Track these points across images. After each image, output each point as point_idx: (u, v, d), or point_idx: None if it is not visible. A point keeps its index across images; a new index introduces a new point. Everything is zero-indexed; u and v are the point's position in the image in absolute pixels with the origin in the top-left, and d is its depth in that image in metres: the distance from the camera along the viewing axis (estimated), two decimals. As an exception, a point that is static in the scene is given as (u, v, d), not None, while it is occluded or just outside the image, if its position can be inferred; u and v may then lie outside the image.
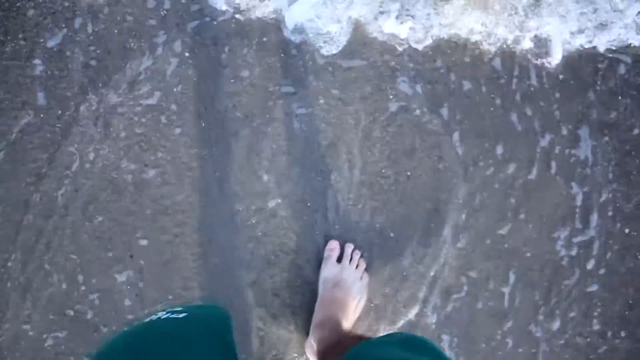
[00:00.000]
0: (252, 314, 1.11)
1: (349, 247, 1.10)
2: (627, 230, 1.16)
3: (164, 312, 0.62)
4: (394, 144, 1.15)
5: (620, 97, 1.17)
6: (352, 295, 1.04)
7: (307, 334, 1.07)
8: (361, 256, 1.11)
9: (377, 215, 1.13)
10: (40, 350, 1.09)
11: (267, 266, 1.12)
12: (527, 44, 1.17)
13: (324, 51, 1.15)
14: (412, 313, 1.13)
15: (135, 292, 1.10)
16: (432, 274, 1.13)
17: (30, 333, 1.09)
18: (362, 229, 1.13)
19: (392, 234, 1.14)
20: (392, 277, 1.13)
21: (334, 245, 1.10)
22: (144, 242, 1.10)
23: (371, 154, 1.14)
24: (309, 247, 1.12)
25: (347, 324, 1.03)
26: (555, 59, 1.18)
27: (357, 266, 1.09)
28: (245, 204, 1.13)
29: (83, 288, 1.09)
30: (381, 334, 1.12)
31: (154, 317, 0.60)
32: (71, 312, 1.09)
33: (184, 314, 0.61)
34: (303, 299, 1.12)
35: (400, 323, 1.13)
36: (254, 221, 1.12)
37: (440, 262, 1.14)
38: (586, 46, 1.18)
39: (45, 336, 1.09)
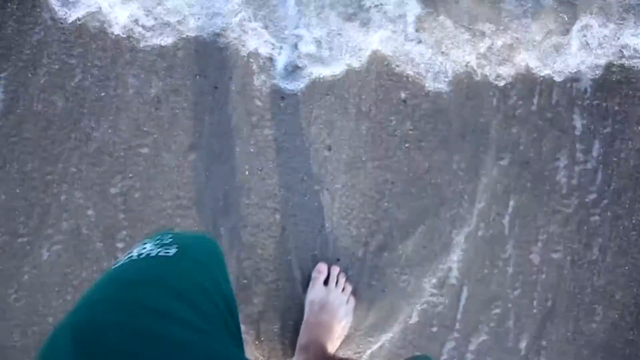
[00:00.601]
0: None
1: (335, 270, 1.10)
2: (631, 161, 1.16)
3: (153, 243, 0.59)
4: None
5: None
6: (337, 318, 1.04)
7: (292, 355, 1.08)
8: (347, 279, 1.11)
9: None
10: (37, 262, 1.08)
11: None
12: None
13: None
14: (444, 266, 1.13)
15: (129, 205, 1.09)
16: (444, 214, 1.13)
17: (27, 247, 1.08)
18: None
19: (391, 179, 1.13)
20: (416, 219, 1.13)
21: (322, 268, 1.09)
22: (144, 150, 1.10)
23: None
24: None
25: (332, 347, 1.03)
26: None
27: (343, 289, 1.09)
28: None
29: (81, 201, 1.08)
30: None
31: (142, 249, 0.58)
32: (65, 225, 1.08)
33: (175, 248, 0.58)
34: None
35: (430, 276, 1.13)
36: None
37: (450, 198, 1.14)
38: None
39: (41, 248, 1.08)
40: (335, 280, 1.09)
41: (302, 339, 1.03)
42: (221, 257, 0.67)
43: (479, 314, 1.12)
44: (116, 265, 0.55)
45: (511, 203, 1.14)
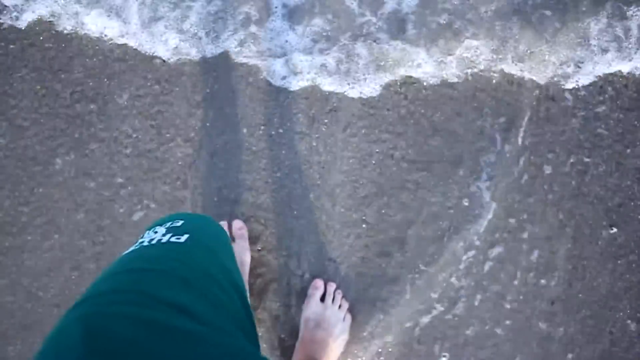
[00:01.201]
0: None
1: (331, 286, 1.08)
2: None
3: (164, 228, 0.59)
4: None
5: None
6: (333, 335, 1.02)
7: None
8: (343, 297, 1.09)
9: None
10: (49, 173, 1.04)
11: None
12: None
13: None
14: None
15: (134, 112, 1.08)
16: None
17: (40, 155, 1.04)
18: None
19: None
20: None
21: (319, 284, 1.08)
22: (157, 61, 1.08)
23: None
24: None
25: None
26: None
27: (339, 306, 1.07)
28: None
29: (94, 114, 1.05)
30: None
31: (153, 234, 0.57)
32: (77, 135, 1.05)
33: (186, 234, 0.57)
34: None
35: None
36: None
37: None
38: None
39: (53, 159, 1.05)
40: (332, 296, 1.07)
41: (297, 357, 1.01)
42: (230, 245, 0.66)
43: (497, 224, 1.14)
44: (127, 252, 0.55)
45: (524, 122, 1.16)
